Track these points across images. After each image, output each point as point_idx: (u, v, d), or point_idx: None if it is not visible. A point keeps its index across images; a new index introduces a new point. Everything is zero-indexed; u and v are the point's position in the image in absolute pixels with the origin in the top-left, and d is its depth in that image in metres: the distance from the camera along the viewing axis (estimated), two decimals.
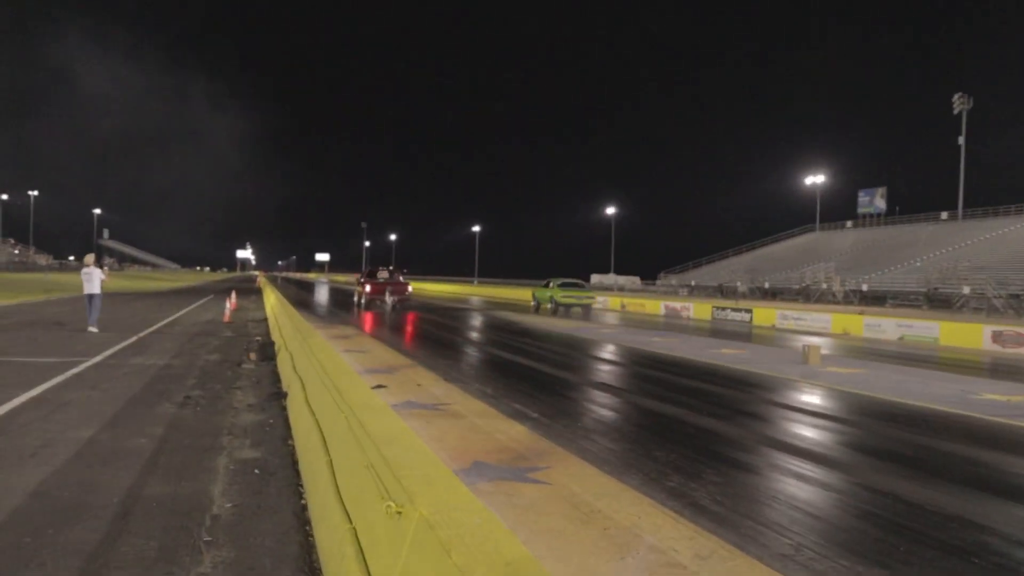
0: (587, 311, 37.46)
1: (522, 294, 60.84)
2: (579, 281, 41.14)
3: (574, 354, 16.60)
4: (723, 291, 56.18)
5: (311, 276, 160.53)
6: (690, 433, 8.13)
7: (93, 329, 16.57)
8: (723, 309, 36.23)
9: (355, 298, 36.97)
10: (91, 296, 17.03)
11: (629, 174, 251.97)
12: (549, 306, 37.26)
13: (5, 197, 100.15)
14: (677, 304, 40.96)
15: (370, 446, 3.53)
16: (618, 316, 38.03)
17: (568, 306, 36.59)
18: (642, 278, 78.34)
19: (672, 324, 31.89)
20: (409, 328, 22.67)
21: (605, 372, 13.88)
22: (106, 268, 17.65)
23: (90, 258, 17.95)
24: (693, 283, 65.62)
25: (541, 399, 9.96)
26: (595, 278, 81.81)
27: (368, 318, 27.82)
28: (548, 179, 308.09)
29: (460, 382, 10.91)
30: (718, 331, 28.14)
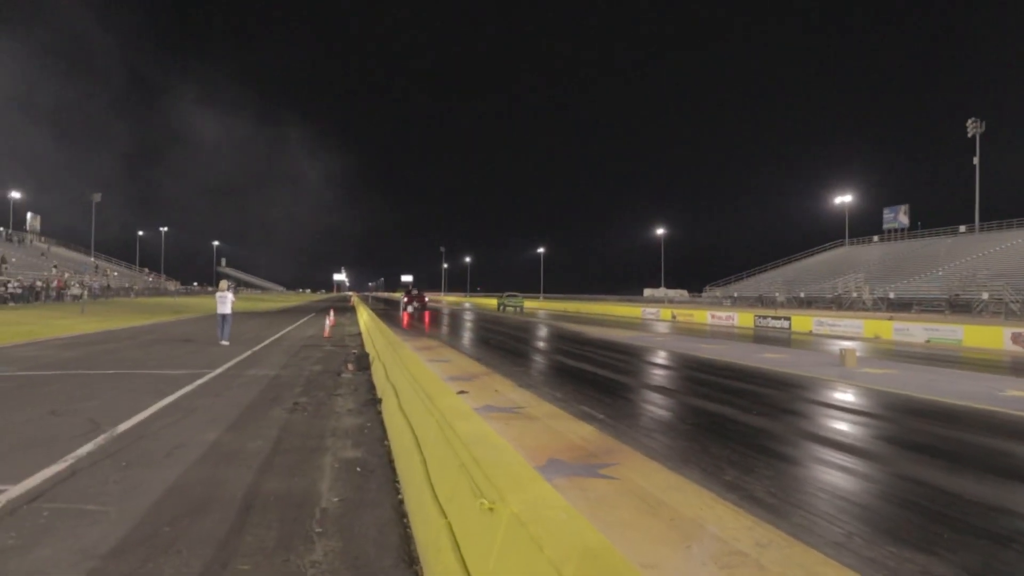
0: (520, 310, 56.87)
1: (581, 307, 60.72)
2: (516, 293, 64.80)
3: (632, 360, 16.39)
4: (763, 301, 54.91)
5: (397, 295, 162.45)
6: (741, 431, 7.91)
7: (225, 342, 17.18)
8: (764, 318, 35.42)
9: (401, 305, 53.32)
10: (223, 316, 17.65)
11: (677, 197, 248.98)
12: (500, 308, 58.88)
13: (141, 233, 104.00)
14: (722, 314, 40.20)
15: (460, 447, 3.48)
16: (669, 326, 37.48)
17: (513, 307, 58.00)
18: (689, 291, 77.22)
19: (718, 332, 31.29)
20: (482, 340, 22.69)
21: (661, 376, 13.65)
22: (231, 291, 18.18)
23: (224, 284, 18.51)
24: (736, 294, 64.35)
25: (606, 401, 9.83)
26: (647, 291, 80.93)
27: (407, 316, 41.03)
28: (605, 202, 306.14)
29: (532, 388, 10.86)
30: (761, 338, 27.50)
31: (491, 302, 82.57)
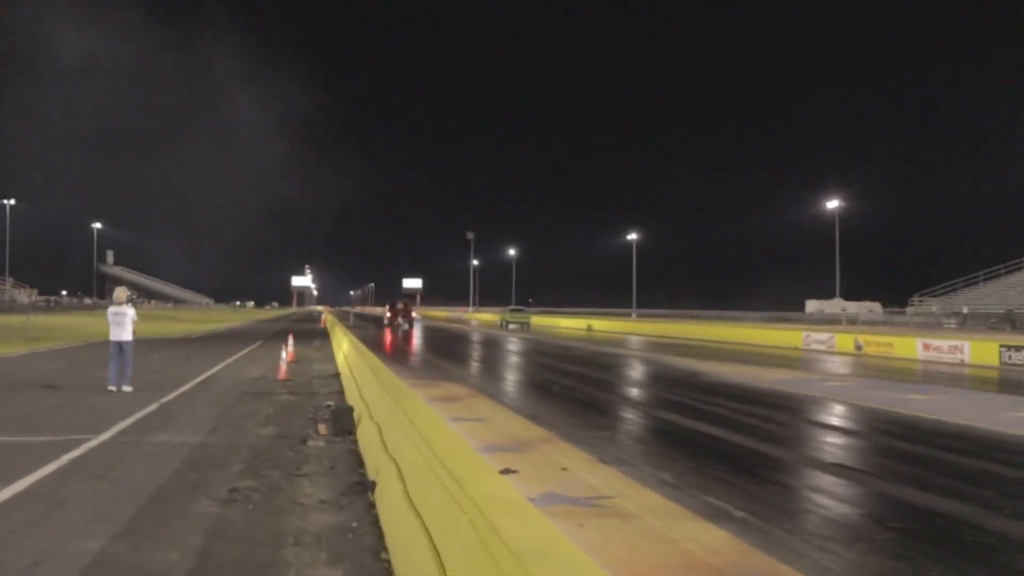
0: (526, 327, 75.52)
1: (697, 329, 60.38)
2: (522, 308, 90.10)
3: (788, 419, 16.27)
4: (1014, 322, 54.12)
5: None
6: (984, 543, 7.77)
7: (127, 388, 17.36)
8: (1018, 349, 34.81)
9: (384, 319, 70.75)
10: (121, 344, 17.64)
11: (860, 154, 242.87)
12: (503, 325, 79.02)
13: None
14: (942, 343, 39.63)
15: (510, 562, 3.44)
16: (851, 362, 37.08)
17: (519, 324, 76.50)
18: (885, 304, 76.35)
19: (936, 373, 30.88)
20: (536, 383, 22.67)
21: (838, 447, 13.50)
22: (130, 305, 18.01)
23: (122, 293, 18.40)
24: (966, 310, 63.54)
25: (746, 489, 9.77)
26: (811, 305, 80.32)
27: (390, 336, 55.36)
28: (735, 162, 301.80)
29: (622, 463, 10.84)
30: (1012, 383, 27.00)
31: (547, 321, 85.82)
